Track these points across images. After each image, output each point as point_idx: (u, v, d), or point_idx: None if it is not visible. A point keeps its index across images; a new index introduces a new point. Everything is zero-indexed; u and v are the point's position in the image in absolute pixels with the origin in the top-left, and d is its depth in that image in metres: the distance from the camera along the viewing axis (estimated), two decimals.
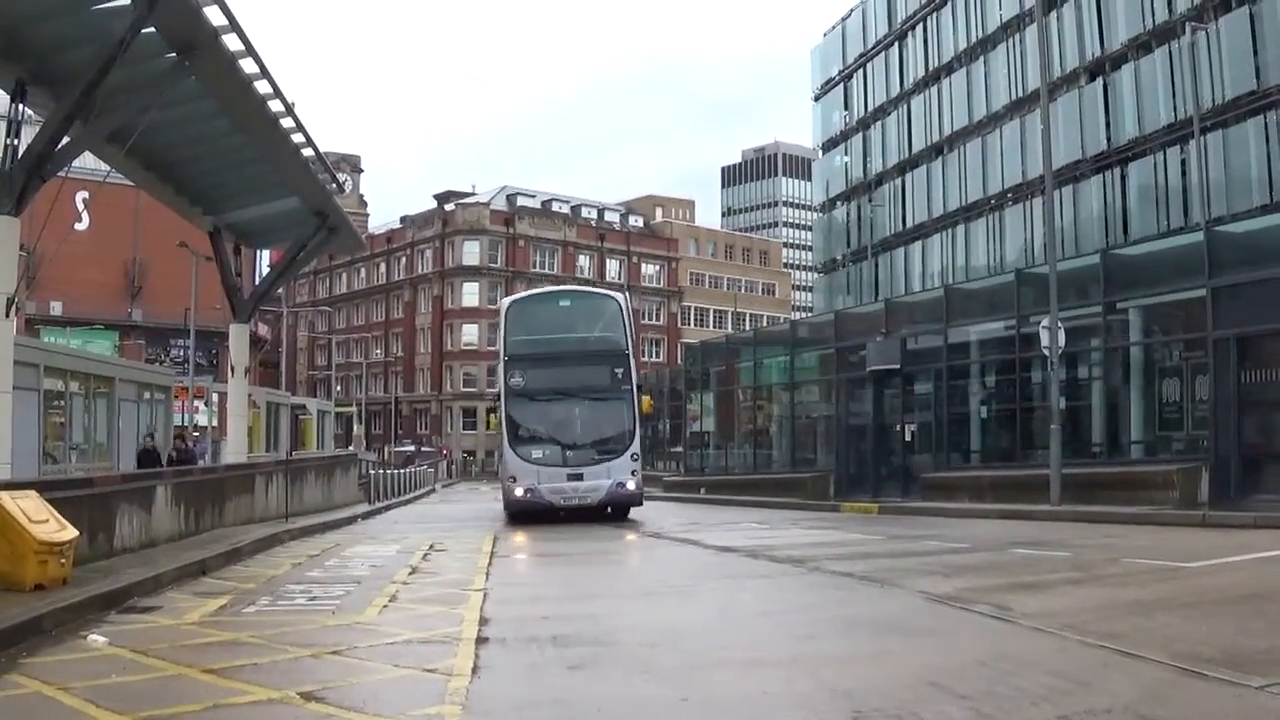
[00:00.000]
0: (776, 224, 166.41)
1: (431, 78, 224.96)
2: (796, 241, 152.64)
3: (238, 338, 29.97)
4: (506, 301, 29.38)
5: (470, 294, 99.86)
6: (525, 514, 26.19)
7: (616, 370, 26.99)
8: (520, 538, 22.60)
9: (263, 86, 19.99)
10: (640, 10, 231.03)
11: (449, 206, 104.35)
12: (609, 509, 26.62)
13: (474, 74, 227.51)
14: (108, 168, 21.93)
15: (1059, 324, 23.24)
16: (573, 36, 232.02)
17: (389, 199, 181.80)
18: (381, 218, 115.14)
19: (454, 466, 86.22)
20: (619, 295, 29.71)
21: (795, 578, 13.83)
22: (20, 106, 17.39)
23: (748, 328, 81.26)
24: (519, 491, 26.02)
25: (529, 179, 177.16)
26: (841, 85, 64.36)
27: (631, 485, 26.43)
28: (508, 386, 26.80)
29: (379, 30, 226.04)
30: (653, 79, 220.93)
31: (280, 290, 56.86)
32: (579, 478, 26.08)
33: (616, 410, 26.98)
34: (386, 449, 79.66)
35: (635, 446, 26.95)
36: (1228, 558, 13.64)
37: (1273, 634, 8.76)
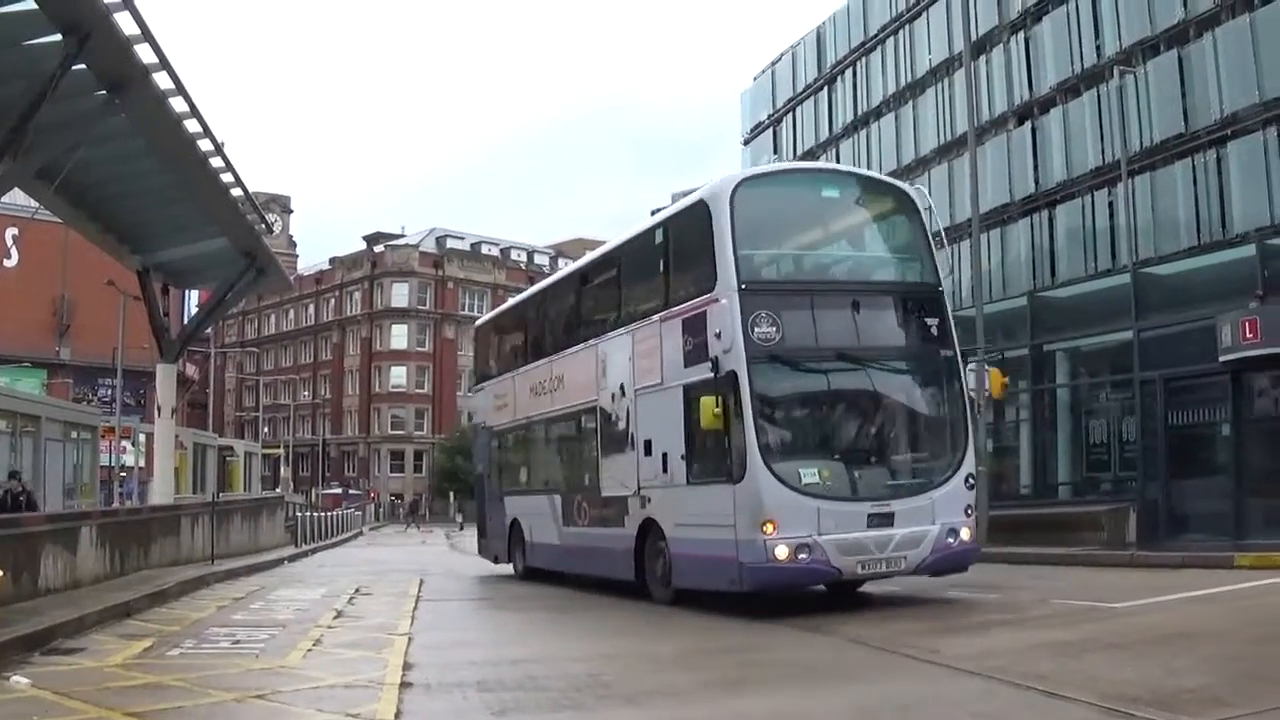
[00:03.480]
0: None
1: (369, 119, 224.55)
2: None
3: (165, 378, 29.71)
4: (721, 187, 15.13)
5: (399, 336, 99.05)
6: (777, 590, 14.35)
7: (930, 322, 15.32)
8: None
9: (192, 125, 20.01)
10: (582, 53, 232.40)
11: (378, 248, 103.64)
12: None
13: (412, 116, 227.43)
14: (36, 204, 21.48)
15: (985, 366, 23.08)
16: (513, 80, 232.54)
17: (320, 240, 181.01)
18: (312, 258, 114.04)
19: (381, 510, 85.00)
20: (913, 189, 17.13)
21: None
22: None
23: None
24: (780, 550, 13.51)
25: (464, 221, 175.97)
26: (771, 129, 63.50)
27: (966, 533, 14.54)
28: (748, 340, 14.08)
29: (314, 70, 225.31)
30: (592, 122, 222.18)
31: (209, 330, 55.91)
32: (887, 520, 14.00)
33: (935, 393, 15.41)
34: (314, 491, 78.44)
35: (970, 459, 14.98)
36: (1156, 597, 13.74)
37: (1200, 673, 8.76)
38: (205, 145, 20.93)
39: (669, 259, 16.63)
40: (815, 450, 14.61)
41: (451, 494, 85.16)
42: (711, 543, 14.36)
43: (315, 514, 43.81)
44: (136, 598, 16.06)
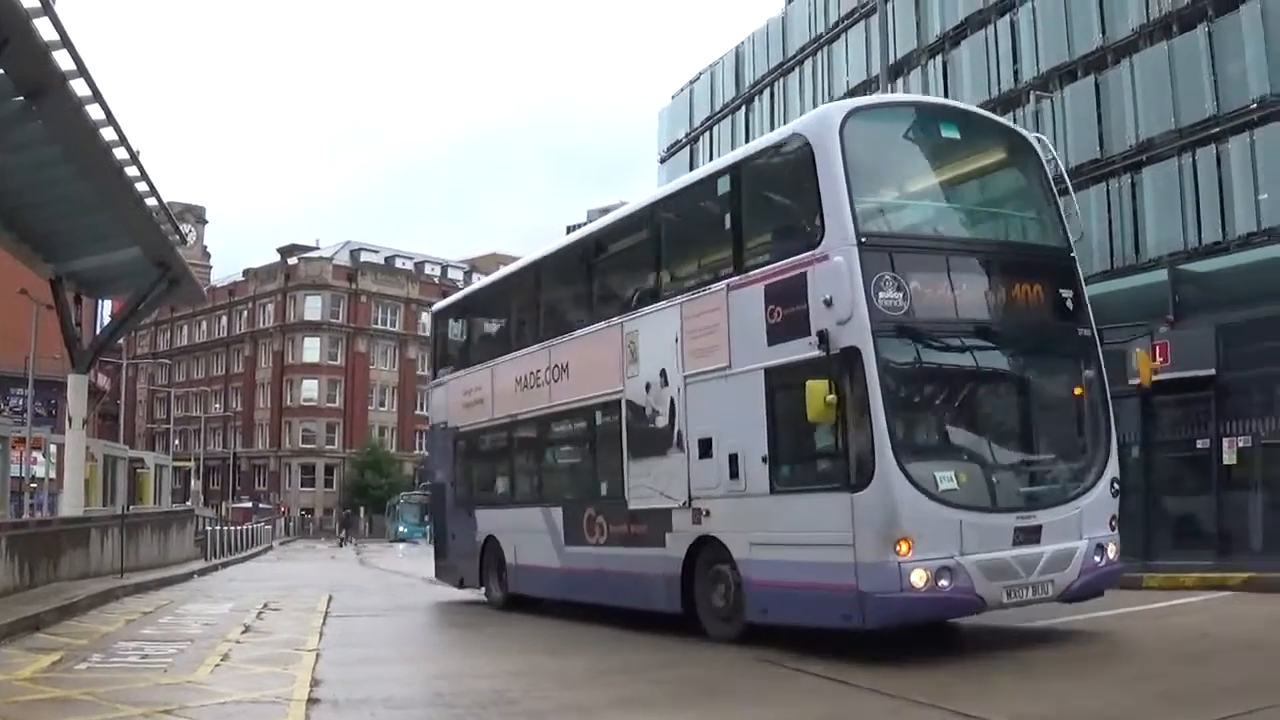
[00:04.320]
0: None
1: (286, 130, 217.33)
2: None
3: (76, 389, 27.48)
4: (826, 118, 11.39)
5: (311, 349, 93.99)
6: (906, 626, 10.58)
7: (1065, 294, 11.66)
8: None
9: (108, 133, 18.97)
10: (500, 68, 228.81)
11: (292, 260, 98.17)
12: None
13: (329, 128, 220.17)
14: None
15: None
16: (430, 94, 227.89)
17: (234, 251, 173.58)
18: (226, 269, 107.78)
19: (291, 524, 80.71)
20: (1031, 135, 12.94)
21: None
22: None
23: None
24: (917, 575, 9.88)
25: (379, 234, 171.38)
26: (688, 148, 60.48)
27: (1113, 550, 11.17)
28: (872, 308, 10.31)
29: (234, 80, 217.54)
30: (509, 137, 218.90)
31: (121, 341, 50.71)
32: (1034, 536, 10.49)
33: (1075, 379, 11.61)
34: (224, 505, 73.59)
35: (1114, 460, 11.42)
36: (1066, 618, 12.06)
37: (1110, 692, 8.46)
38: (121, 154, 19.87)
39: (740, 212, 12.46)
40: (949, 448, 10.83)
41: (362, 509, 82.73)
42: (811, 566, 10.62)
43: (225, 528, 41.41)
44: (46, 610, 15.18)
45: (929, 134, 12.14)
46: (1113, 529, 11.19)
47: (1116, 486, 11.28)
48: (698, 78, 60.60)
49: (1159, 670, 9.50)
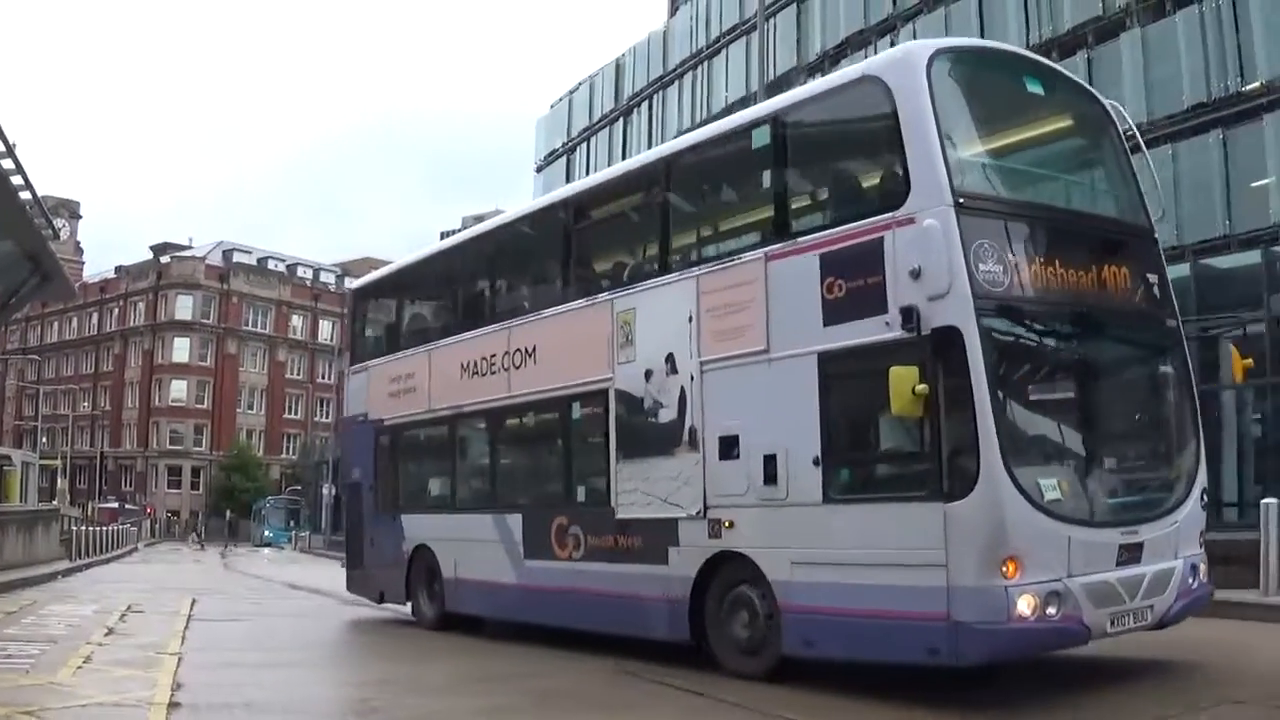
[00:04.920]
0: None
1: (163, 126, 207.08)
2: None
3: None
4: (909, 57, 8.84)
5: (181, 349, 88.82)
6: (1007, 661, 8.37)
7: (1151, 279, 9.35)
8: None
9: None
10: (378, 71, 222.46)
11: (165, 259, 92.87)
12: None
13: (207, 126, 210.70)
14: None
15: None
16: (308, 95, 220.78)
17: (108, 248, 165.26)
18: (99, 266, 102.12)
19: (158, 526, 76.14)
20: (1107, 102, 10.07)
21: None
22: None
23: None
24: (1024, 602, 7.67)
25: (253, 235, 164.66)
26: (565, 158, 58.91)
27: (1204, 569, 9.13)
28: (974, 280, 7.98)
29: (111, 75, 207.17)
30: (385, 141, 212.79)
31: None
32: (1135, 554, 8.33)
33: (1166, 375, 9.45)
34: (91, 505, 68.56)
35: (1203, 468, 9.30)
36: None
37: None
38: None
39: (784, 169, 10.05)
40: (1051, 450, 8.70)
41: (228, 512, 79.49)
42: (882, 591, 8.27)
43: (91, 528, 38.81)
44: None
45: (1014, 86, 9.72)
46: (1202, 546, 9.20)
47: (1205, 498, 9.27)
48: (577, 88, 59.05)
49: None
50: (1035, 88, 9.78)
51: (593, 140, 56.42)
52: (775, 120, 9.89)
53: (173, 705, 8.45)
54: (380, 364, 16.03)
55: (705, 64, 45.56)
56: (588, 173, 54.96)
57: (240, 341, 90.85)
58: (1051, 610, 7.75)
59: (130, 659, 11.15)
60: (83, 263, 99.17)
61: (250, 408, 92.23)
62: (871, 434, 8.86)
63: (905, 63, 8.81)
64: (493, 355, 13.23)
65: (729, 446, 9.70)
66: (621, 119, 53.67)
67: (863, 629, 8.45)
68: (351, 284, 17.75)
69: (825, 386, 8.87)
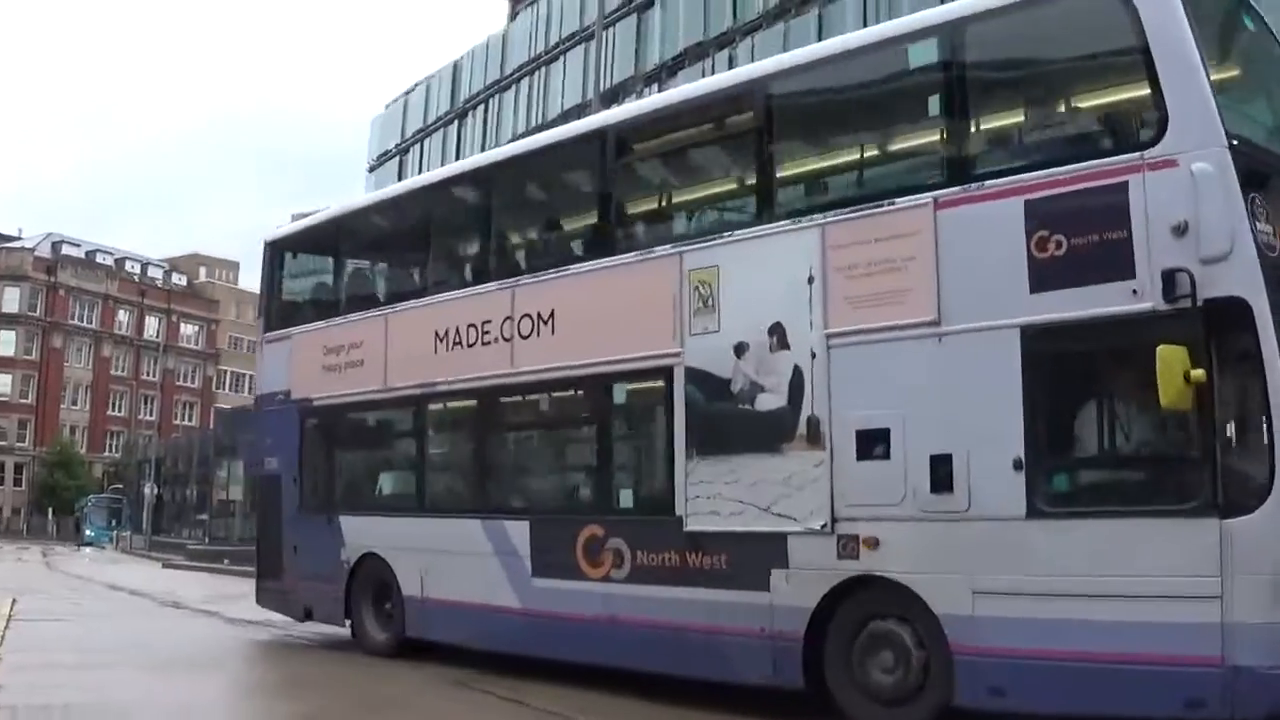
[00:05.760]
0: None
1: (11, 118, 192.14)
2: None
3: None
4: None
5: (6, 342, 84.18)
6: None
7: None
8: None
9: None
10: (217, 66, 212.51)
11: None
12: None
13: (40, 114, 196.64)
14: None
15: None
16: (142, 89, 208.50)
17: None
18: None
19: None
20: None
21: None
22: None
23: None
24: None
25: (85, 228, 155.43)
26: (397, 158, 58.83)
27: None
28: (1258, 243, 6.52)
29: None
30: (221, 136, 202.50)
31: None
32: None
33: None
34: None
35: None
36: None
37: None
38: None
39: (965, 93, 7.99)
40: None
41: (50, 510, 76.88)
42: (1123, 630, 6.58)
43: None
44: None
45: (1234, 20, 8.08)
46: None
47: None
48: (413, 89, 59.21)
49: None
50: (1249, 24, 8.17)
51: (427, 142, 56.32)
52: (950, 34, 7.95)
53: None
54: (310, 331, 13.42)
55: (543, 69, 45.52)
56: (421, 174, 54.48)
57: (66, 336, 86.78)
58: None
59: None
60: None
61: (74, 404, 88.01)
62: (1105, 430, 7.22)
63: None
64: (487, 322, 10.95)
65: (873, 443, 7.80)
66: (457, 121, 53.62)
67: (1086, 676, 6.73)
68: (268, 234, 14.92)
69: (1033, 369, 7.08)
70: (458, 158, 50.72)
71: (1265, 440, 6.27)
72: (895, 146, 8.79)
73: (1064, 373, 7.16)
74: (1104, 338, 6.83)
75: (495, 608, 10.57)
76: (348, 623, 12.60)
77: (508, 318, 10.69)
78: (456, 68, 53.53)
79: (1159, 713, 6.54)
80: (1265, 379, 6.26)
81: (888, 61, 8.38)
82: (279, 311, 14.49)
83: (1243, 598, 6.21)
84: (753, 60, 29.32)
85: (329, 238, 14.04)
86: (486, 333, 10.93)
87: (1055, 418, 7.16)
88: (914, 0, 26.75)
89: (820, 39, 27.73)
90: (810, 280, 8.24)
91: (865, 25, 28.19)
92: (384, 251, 13.75)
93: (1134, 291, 6.66)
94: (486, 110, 50.89)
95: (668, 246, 9.48)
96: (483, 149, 47.06)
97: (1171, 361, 6.26)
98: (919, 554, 7.53)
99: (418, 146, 57.36)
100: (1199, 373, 6.27)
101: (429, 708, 9.43)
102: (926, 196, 7.74)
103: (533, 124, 44.73)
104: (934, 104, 8.03)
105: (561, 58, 43.71)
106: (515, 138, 44.46)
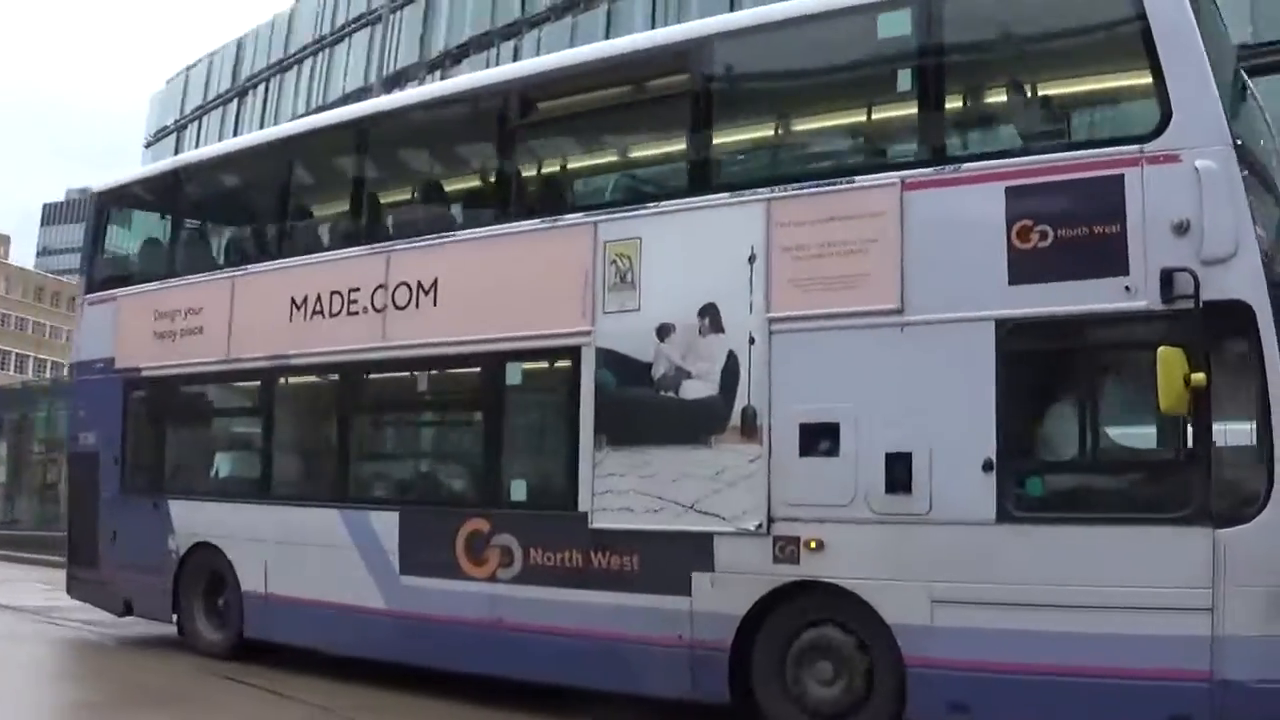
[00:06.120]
0: None
1: None
2: None
3: None
4: None
5: None
6: None
7: None
8: None
9: None
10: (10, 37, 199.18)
11: None
12: None
13: None
14: None
15: None
16: None
17: None
18: None
19: None
20: None
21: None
22: None
23: (49, 376, 68.51)
24: None
25: None
26: (175, 135, 58.14)
27: None
28: (1258, 235, 6.39)
29: None
30: (15, 107, 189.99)
31: None
32: None
33: None
34: None
35: None
36: None
37: None
38: None
39: (940, 67, 7.42)
40: None
41: None
42: (1103, 642, 6.23)
43: None
44: None
45: (1214, 20, 7.69)
46: None
47: None
48: (195, 65, 58.76)
49: None
50: (1221, 26, 7.87)
51: (205, 119, 55.88)
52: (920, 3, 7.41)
53: None
54: (140, 294, 11.99)
55: (327, 51, 45.57)
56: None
57: None
58: None
59: None
60: None
61: None
62: (1088, 432, 6.80)
63: None
64: (355, 289, 9.90)
65: (819, 438, 7.20)
66: (237, 100, 53.38)
67: (1060, 691, 6.33)
68: (98, 184, 13.32)
69: (1009, 365, 6.63)
70: (236, 136, 49.39)
71: (1263, 448, 6.01)
72: (859, 120, 8.23)
73: (1043, 370, 6.77)
74: (1090, 335, 6.48)
75: (356, 608, 9.54)
76: (174, 619, 11.25)
77: (380, 285, 9.67)
78: (240, 45, 53.12)
79: None
80: (1265, 385, 5.99)
81: (856, 28, 7.74)
82: (104, 270, 12.99)
83: (1235, 610, 5.94)
84: (538, 54, 29.19)
85: (168, 190, 12.54)
86: (354, 301, 9.88)
87: (1032, 417, 6.74)
88: (703, 2, 27.58)
89: (608, 36, 27.86)
90: (751, 259, 7.58)
91: (653, 23, 28.65)
92: (234, 207, 12.42)
93: (1127, 289, 6.27)
94: (268, 90, 50.62)
95: (580, 215, 8.69)
96: (261, 128, 46.19)
97: (1173, 364, 5.90)
98: (870, 559, 6.98)
99: (196, 124, 56.77)
100: (1199, 376, 5.94)
101: (193, 694, 9.31)
102: (893, 176, 7.20)
103: (313, 105, 44.46)
104: (906, 77, 7.44)
105: (347, 40, 43.71)
106: (294, 118, 44.78)
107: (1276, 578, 5.91)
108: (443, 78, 34.60)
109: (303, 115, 42.75)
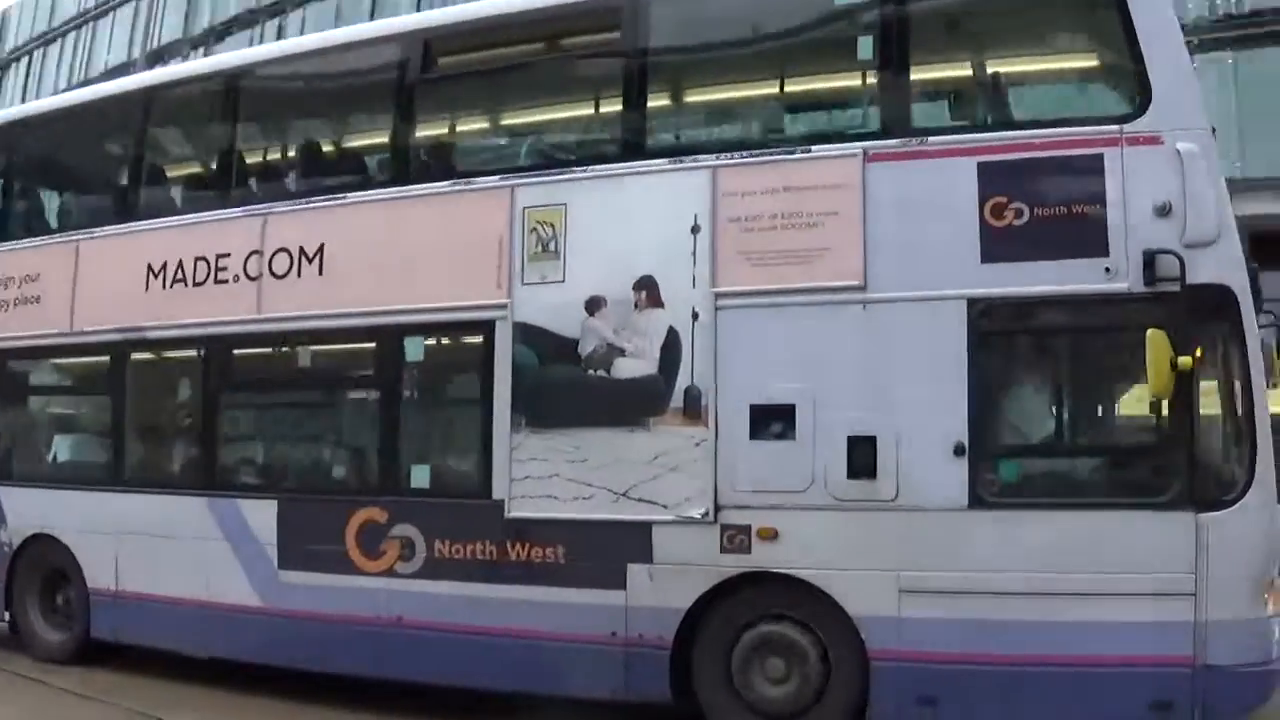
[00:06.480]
0: None
1: None
2: None
3: None
4: None
5: None
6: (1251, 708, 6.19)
7: None
8: None
9: None
10: None
11: None
12: None
13: None
14: None
15: None
16: None
17: None
18: None
19: None
20: None
21: None
22: None
23: None
24: None
25: None
26: None
27: None
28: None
29: None
30: None
31: None
32: None
33: None
34: None
35: None
36: None
37: None
38: None
39: (904, 39, 6.98)
40: None
41: None
42: (1082, 631, 6.07)
43: None
44: None
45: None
46: None
47: None
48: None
49: None
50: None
51: None
52: None
53: None
54: None
55: (91, 25, 44.57)
56: None
57: None
58: None
59: None
60: None
61: None
62: (1065, 415, 6.71)
63: None
64: (224, 255, 9.00)
65: (772, 420, 6.80)
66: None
67: (1037, 681, 6.14)
68: None
69: (981, 345, 6.38)
70: None
71: (1244, 432, 5.95)
72: (818, 86, 7.82)
73: (1017, 351, 6.55)
74: (1067, 316, 6.27)
75: (225, 606, 8.66)
76: (7, 616, 10.09)
77: (255, 252, 8.79)
78: (4, 18, 51.69)
79: (1120, 717, 6.05)
80: (1247, 368, 5.93)
81: None
82: None
83: (1218, 595, 5.86)
84: (302, 33, 28.47)
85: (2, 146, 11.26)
86: (223, 269, 8.98)
87: (1005, 400, 6.53)
88: None
89: (373, 17, 27.07)
90: (695, 230, 7.11)
91: (417, 5, 28.28)
92: (79, 164, 11.21)
93: (1107, 270, 6.10)
94: (30, 63, 49.19)
95: (494, 178, 8.04)
96: (23, 101, 43.80)
97: (1161, 347, 5.72)
98: (830, 547, 6.61)
99: None
100: (1186, 360, 5.82)
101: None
102: (856, 146, 6.84)
103: (75, 80, 43.11)
104: (868, 44, 7.05)
105: (112, 14, 42.88)
106: (56, 93, 41.74)
107: (1254, 562, 5.90)
108: (206, 54, 33.18)
109: (64, 90, 40.71)
